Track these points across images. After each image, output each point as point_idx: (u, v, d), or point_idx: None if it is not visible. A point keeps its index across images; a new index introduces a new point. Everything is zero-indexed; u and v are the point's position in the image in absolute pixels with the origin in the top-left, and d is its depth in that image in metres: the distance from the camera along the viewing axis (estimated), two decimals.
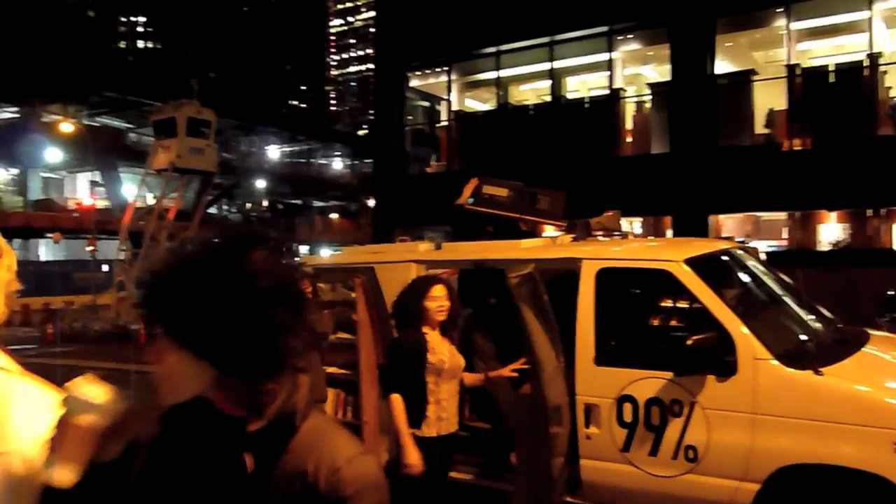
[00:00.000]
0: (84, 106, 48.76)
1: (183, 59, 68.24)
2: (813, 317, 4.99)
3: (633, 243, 5.15)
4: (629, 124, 19.77)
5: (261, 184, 56.23)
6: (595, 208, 5.63)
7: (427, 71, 24.18)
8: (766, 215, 20.59)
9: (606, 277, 4.54)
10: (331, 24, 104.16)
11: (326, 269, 5.40)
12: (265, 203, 59.52)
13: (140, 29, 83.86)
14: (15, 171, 50.97)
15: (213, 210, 57.23)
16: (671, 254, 4.48)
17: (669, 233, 18.82)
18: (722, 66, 18.31)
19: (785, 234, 19.97)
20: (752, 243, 19.10)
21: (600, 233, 5.35)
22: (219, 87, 62.57)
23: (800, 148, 15.98)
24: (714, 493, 4.08)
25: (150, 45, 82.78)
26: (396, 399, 4.06)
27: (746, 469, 3.98)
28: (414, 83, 24.63)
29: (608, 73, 19.36)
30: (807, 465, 3.83)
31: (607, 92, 19.40)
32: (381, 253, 5.65)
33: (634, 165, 18.67)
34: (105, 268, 29.64)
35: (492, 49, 21.22)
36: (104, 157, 46.79)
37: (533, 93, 22.71)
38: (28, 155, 46.84)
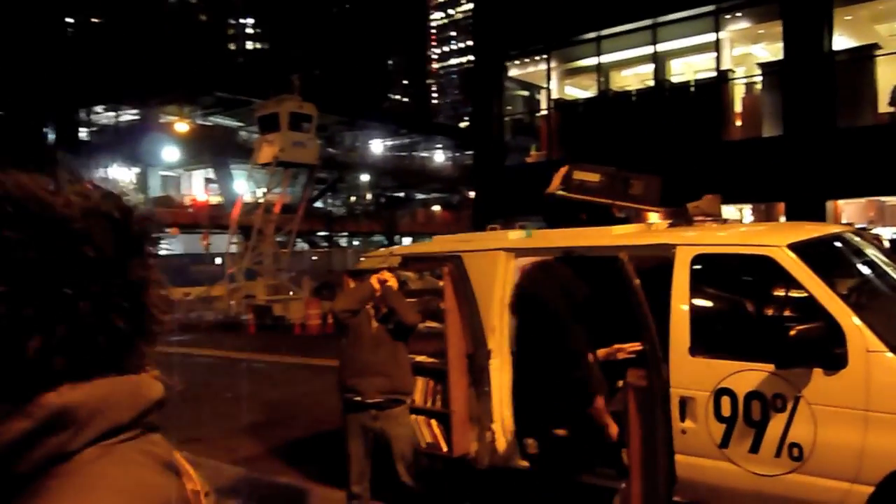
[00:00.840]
0: (198, 106, 51.18)
1: (288, 58, 70.39)
2: None
3: (733, 228, 4.89)
4: (738, 107, 19.00)
5: (364, 177, 57.41)
6: (701, 195, 5.37)
7: (526, 60, 24.00)
8: (892, 200, 19.37)
9: (703, 264, 4.32)
10: (431, 17, 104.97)
11: (414, 258, 5.41)
12: (369, 196, 60.75)
13: (249, 31, 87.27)
14: (136, 169, 54.17)
15: (318, 204, 59.02)
16: (774, 238, 4.21)
17: (783, 220, 18.00)
18: (840, 41, 17.25)
19: None
20: (876, 229, 17.97)
21: (699, 218, 5.11)
22: (323, 84, 64.30)
23: None
24: (821, 494, 3.82)
25: (258, 45, 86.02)
26: None
27: (858, 470, 3.70)
28: (513, 73, 24.52)
29: (715, 54, 18.63)
30: None
31: (714, 74, 18.67)
32: (469, 242, 5.61)
33: (744, 150, 17.93)
34: (218, 260, 31.00)
35: (592, 34, 20.82)
36: (217, 154, 49.13)
37: (635, 78, 22.11)
38: (148, 154, 49.76)
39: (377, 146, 61.71)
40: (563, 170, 5.51)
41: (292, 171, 25.56)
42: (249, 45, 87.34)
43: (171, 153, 47.78)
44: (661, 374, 3.89)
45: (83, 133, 56.88)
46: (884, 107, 16.53)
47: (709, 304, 4.39)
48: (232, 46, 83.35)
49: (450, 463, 4.80)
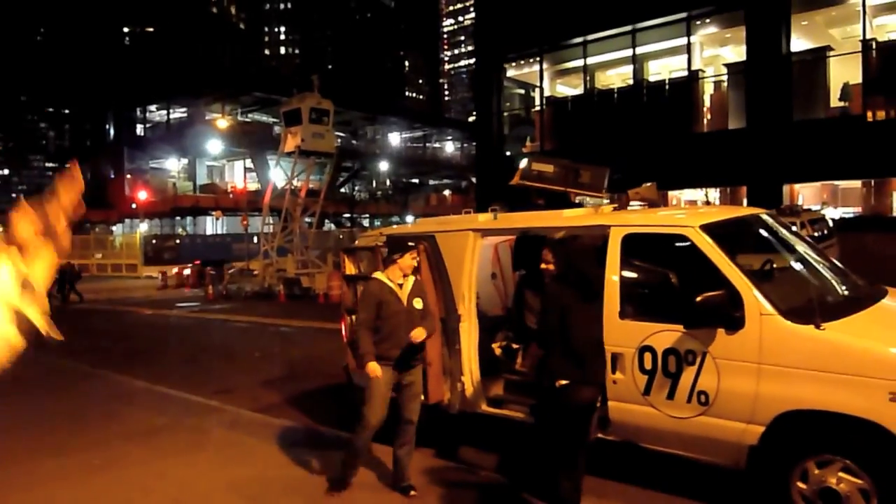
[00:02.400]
0: (238, 104, 51.39)
1: (315, 61, 70.47)
2: (837, 277, 4.76)
3: (658, 212, 5.05)
4: (707, 103, 18.99)
5: (384, 166, 57.55)
6: (676, 180, 5.53)
7: (521, 62, 24.02)
8: (844, 184, 19.35)
9: (631, 242, 4.52)
10: (444, 23, 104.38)
11: (396, 237, 5.64)
12: (388, 182, 60.95)
13: (282, 37, 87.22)
14: (185, 160, 54.59)
15: (344, 189, 59.29)
16: (689, 220, 4.40)
17: (745, 202, 18.07)
18: (798, 43, 17.19)
19: (861, 202, 18.70)
20: (828, 210, 18.00)
21: (638, 203, 5.29)
22: (347, 84, 64.34)
23: (883, 118, 14.85)
24: (724, 433, 4.04)
25: (290, 50, 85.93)
26: None
27: (753, 413, 3.92)
28: (511, 73, 24.53)
29: (686, 56, 18.59)
30: (807, 410, 3.73)
31: (686, 73, 18.63)
32: (445, 223, 5.82)
33: (712, 140, 18.00)
34: (255, 239, 31.38)
35: (579, 39, 20.83)
36: (255, 146, 49.40)
37: (617, 77, 22.08)
38: (195, 147, 50.10)
39: (395, 138, 61.74)
40: (524, 162, 5.69)
41: (315, 160, 25.83)
42: (283, 49, 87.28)
43: (215, 146, 48.06)
44: None
45: (140, 129, 57.28)
46: (835, 102, 16.50)
47: (635, 275, 4.59)
48: (267, 51, 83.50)
49: (427, 409, 5.05)
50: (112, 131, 58.50)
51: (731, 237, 4.39)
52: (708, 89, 19.17)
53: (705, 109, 19.03)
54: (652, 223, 4.64)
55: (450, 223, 5.77)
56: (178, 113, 55.45)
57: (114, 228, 51.93)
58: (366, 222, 58.71)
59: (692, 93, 18.55)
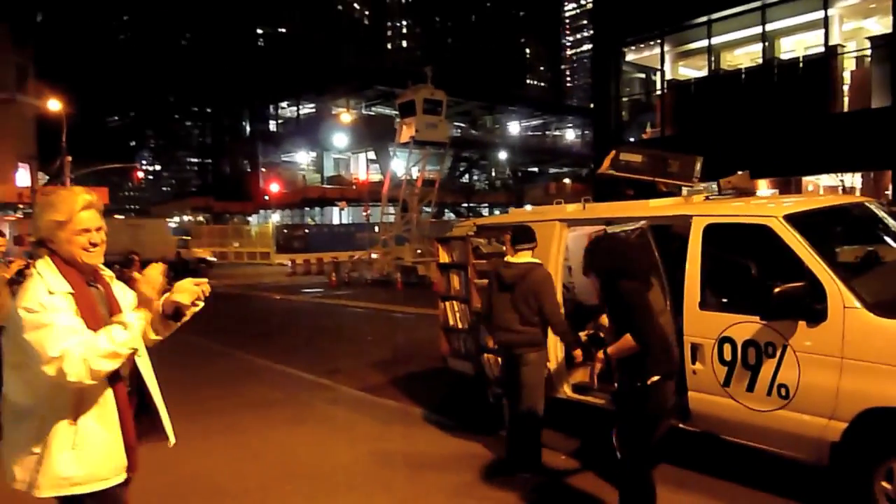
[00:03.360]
0: (362, 98, 53.54)
1: (435, 53, 71.71)
2: None
3: (745, 201, 4.93)
4: (847, 80, 17.56)
5: (502, 155, 57.79)
6: (811, 166, 5.37)
7: (641, 45, 23.35)
8: None
9: (714, 232, 4.50)
10: (565, 7, 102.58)
11: (485, 227, 5.88)
12: (507, 171, 61.17)
13: (404, 31, 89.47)
14: (314, 153, 57.71)
15: (463, 179, 60.19)
16: (772, 210, 4.30)
17: (891, 188, 16.62)
18: None
19: None
20: None
21: (730, 192, 5.21)
22: (467, 75, 64.99)
23: None
24: (805, 428, 3.97)
25: (411, 43, 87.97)
26: None
27: (835, 409, 3.82)
28: (630, 57, 23.92)
29: (823, 30, 17.28)
30: (893, 408, 3.60)
31: (823, 50, 17.34)
32: (535, 213, 6.00)
33: (852, 121, 16.67)
34: (376, 229, 32.69)
35: (703, 18, 19.96)
36: (377, 139, 51.32)
37: (745, 57, 20.91)
38: (322, 140, 52.86)
39: (514, 126, 61.79)
40: (612, 153, 5.73)
41: (430, 150, 26.58)
42: (404, 43, 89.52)
43: (340, 139, 50.42)
44: None
45: (272, 124, 61.23)
46: None
47: (716, 265, 4.55)
48: (389, 45, 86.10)
49: None
50: (248, 127, 62.94)
51: (821, 227, 4.26)
52: (848, 65, 17.74)
53: (845, 88, 17.63)
54: (735, 213, 4.58)
55: (538, 213, 5.94)
56: (307, 108, 58.67)
57: (250, 219, 55.94)
58: (485, 211, 59.26)
59: (830, 70, 17.24)
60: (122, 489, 2.49)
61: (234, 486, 4.81)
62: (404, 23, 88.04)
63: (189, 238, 42.73)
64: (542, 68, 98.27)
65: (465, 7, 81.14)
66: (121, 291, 2.62)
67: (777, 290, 3.85)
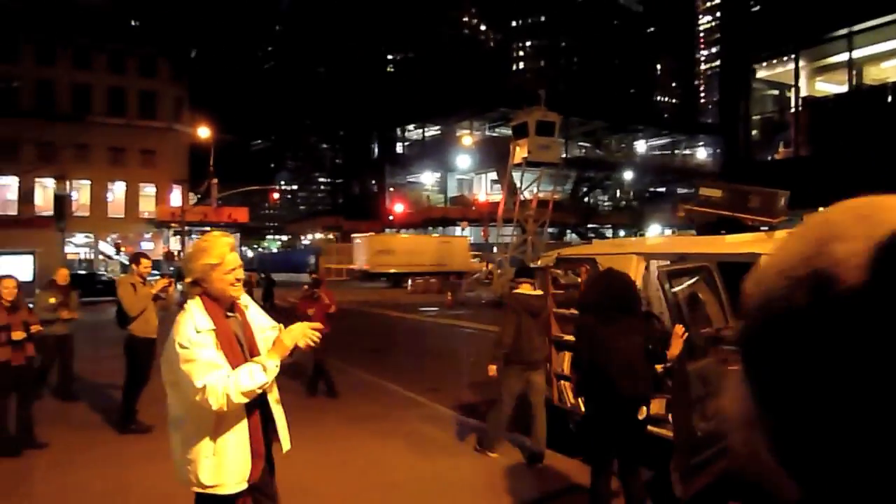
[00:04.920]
0: (486, 120, 54.56)
1: (560, 74, 71.63)
2: None
3: None
4: None
5: (628, 175, 56.60)
6: None
7: (774, 60, 22.34)
8: None
9: None
10: (700, 21, 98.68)
11: (563, 259, 6.11)
12: (631, 192, 59.76)
13: (529, 52, 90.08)
14: (438, 174, 59.43)
15: (587, 200, 59.49)
16: None
17: None
18: None
19: None
20: None
21: None
22: (592, 94, 64.37)
23: None
24: None
25: (536, 64, 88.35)
26: None
27: None
28: (761, 74, 22.94)
29: None
30: None
31: None
32: (615, 246, 6.17)
33: None
34: (494, 249, 33.20)
35: (843, 31, 18.81)
36: (500, 160, 52.06)
37: (893, 70, 19.43)
38: (446, 162, 54.39)
39: (641, 146, 60.36)
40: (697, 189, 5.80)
41: (544, 171, 26.82)
42: (530, 64, 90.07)
43: (463, 160, 51.62)
44: (684, 363, 4.31)
45: (399, 147, 63.82)
46: None
47: None
48: (517, 66, 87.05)
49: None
50: (376, 150, 66.03)
51: None
52: None
53: None
54: None
55: (618, 246, 6.11)
56: (433, 131, 60.61)
57: None
58: (608, 233, 58.16)
59: None
60: (246, 494, 2.96)
61: (319, 489, 5.37)
62: (528, 44, 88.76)
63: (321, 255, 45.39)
64: (673, 84, 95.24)
65: (591, 25, 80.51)
66: (255, 314, 3.15)
67: None
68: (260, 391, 2.82)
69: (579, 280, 5.70)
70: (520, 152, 25.90)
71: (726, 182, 5.65)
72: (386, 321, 20.61)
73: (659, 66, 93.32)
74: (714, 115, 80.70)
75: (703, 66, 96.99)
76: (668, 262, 5.63)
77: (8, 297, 6.27)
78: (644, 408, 4.35)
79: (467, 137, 47.96)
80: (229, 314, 3.00)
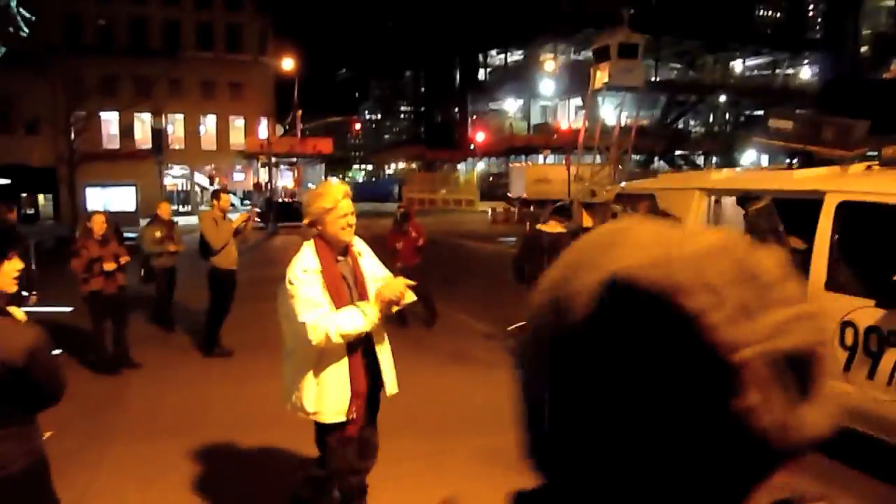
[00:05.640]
0: (572, 44, 52.38)
1: None
2: None
3: (884, 175, 4.48)
4: None
5: (723, 98, 53.35)
6: None
7: None
8: None
9: (846, 210, 4.29)
10: None
11: (622, 194, 6.00)
12: (727, 116, 56.41)
13: None
14: (521, 101, 58.05)
15: (678, 125, 56.77)
16: None
17: None
18: None
19: None
20: None
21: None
22: (686, 12, 60.17)
23: None
24: None
25: None
26: None
27: None
28: None
29: None
30: None
31: None
32: (677, 181, 6.00)
33: None
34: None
35: None
36: (586, 85, 50.26)
37: None
38: (530, 88, 53.00)
39: (738, 66, 56.45)
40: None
41: (624, 95, 25.77)
42: None
43: (547, 86, 50.15)
44: None
45: (481, 73, 62.49)
46: None
47: (847, 246, 4.34)
48: None
49: None
50: (458, 77, 64.99)
51: None
52: None
53: None
54: (869, 190, 4.30)
55: (680, 181, 5.93)
56: (516, 56, 58.89)
57: (459, 167, 58.34)
58: (700, 160, 55.59)
59: None
60: (347, 426, 3.19)
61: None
62: None
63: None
64: None
65: None
66: (368, 262, 3.35)
67: None
68: (357, 334, 3.02)
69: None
70: (601, 76, 24.94)
71: (800, 112, 5.32)
72: (463, 251, 20.90)
73: None
74: (823, 30, 73.60)
75: None
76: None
77: (99, 232, 6.84)
78: None
79: (550, 62, 46.42)
80: (340, 258, 3.18)
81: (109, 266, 6.74)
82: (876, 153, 5.22)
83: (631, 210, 5.88)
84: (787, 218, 5.17)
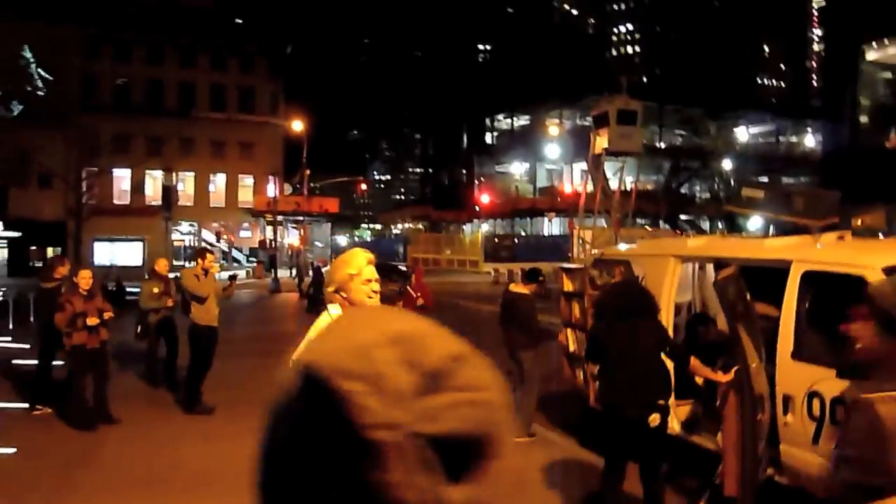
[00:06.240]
0: (577, 109, 53.51)
1: (657, 59, 69.18)
2: None
3: (853, 247, 4.54)
4: None
5: (727, 164, 53.97)
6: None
7: (887, 41, 20.86)
8: None
9: (811, 280, 4.33)
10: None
11: (599, 260, 6.07)
12: (731, 182, 56.97)
13: (624, 38, 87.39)
14: (527, 164, 58.96)
15: (683, 190, 57.32)
16: (870, 260, 4.04)
17: None
18: None
19: None
20: None
21: (859, 232, 4.87)
22: (690, 81, 61.73)
23: None
24: None
25: (634, 49, 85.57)
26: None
27: None
28: (871, 56, 21.50)
29: None
30: None
31: None
32: (653, 248, 6.07)
33: None
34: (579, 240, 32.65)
35: None
36: (588, 150, 51.09)
37: None
38: (536, 151, 53.91)
39: (742, 133, 57.33)
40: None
41: (623, 160, 26.18)
42: (629, 49, 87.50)
43: (553, 150, 50.98)
44: (748, 378, 4.15)
45: (488, 137, 63.74)
46: None
47: (812, 315, 4.36)
48: (614, 51, 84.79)
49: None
50: (465, 140, 66.29)
51: None
52: None
53: None
54: (832, 261, 4.35)
55: (656, 248, 6.01)
56: (522, 120, 60.12)
57: (464, 227, 58.80)
58: (706, 224, 55.80)
59: None
60: None
61: None
62: (623, 29, 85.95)
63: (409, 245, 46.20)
64: (782, 67, 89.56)
65: (693, 11, 76.84)
66: None
67: (859, 346, 3.67)
68: None
69: (613, 282, 5.66)
70: (600, 142, 25.44)
71: (770, 184, 5.42)
72: (461, 311, 20.86)
73: (767, 49, 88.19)
74: (822, 100, 75.08)
75: (815, 47, 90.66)
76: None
77: (85, 287, 6.94)
78: (657, 415, 4.32)
79: (555, 127, 47.34)
80: None
81: (93, 321, 6.81)
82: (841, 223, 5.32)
83: (607, 275, 5.95)
84: (765, 286, 5.21)
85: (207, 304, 7.60)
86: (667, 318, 5.63)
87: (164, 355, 9.16)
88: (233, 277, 7.95)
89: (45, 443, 6.61)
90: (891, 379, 1.77)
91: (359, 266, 3.18)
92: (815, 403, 4.13)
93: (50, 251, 39.10)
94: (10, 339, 13.06)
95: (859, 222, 4.92)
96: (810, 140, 57.37)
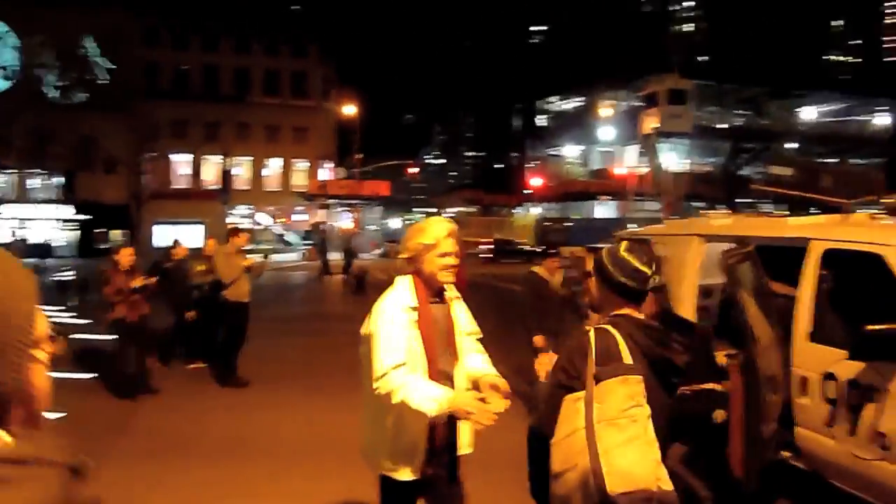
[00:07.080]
0: (631, 90, 52.35)
1: (718, 37, 66.67)
2: None
3: (873, 225, 4.31)
4: None
5: (792, 145, 51.94)
6: None
7: None
8: None
9: (830, 258, 4.17)
10: None
11: (624, 239, 5.96)
12: (795, 163, 54.73)
13: (684, 15, 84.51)
14: (581, 147, 58.12)
15: (744, 172, 55.52)
16: (889, 237, 3.86)
17: None
18: None
19: None
20: None
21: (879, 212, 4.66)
22: (754, 59, 59.31)
23: None
24: None
25: (696, 27, 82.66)
26: None
27: None
28: None
29: None
30: None
31: None
32: (677, 227, 5.94)
33: None
34: (631, 225, 32.05)
35: None
36: (641, 131, 49.89)
37: None
38: (588, 134, 53.07)
39: (809, 112, 54.94)
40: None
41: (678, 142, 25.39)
42: (692, 26, 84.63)
43: (606, 132, 50.08)
44: (755, 357, 4.05)
45: (541, 119, 63.08)
46: None
47: (831, 295, 4.20)
48: (667, 32, 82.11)
49: None
50: (518, 123, 65.79)
51: None
52: None
53: None
54: (852, 238, 4.17)
55: (680, 227, 5.87)
56: (575, 103, 59.22)
57: (515, 211, 58.51)
58: (768, 207, 53.91)
59: None
60: (421, 490, 2.87)
61: None
62: (685, 5, 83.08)
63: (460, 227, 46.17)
64: (850, 42, 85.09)
65: None
66: (458, 310, 3.02)
67: (872, 328, 3.54)
68: (417, 410, 2.63)
69: None
70: (649, 122, 24.83)
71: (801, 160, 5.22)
72: (506, 294, 20.86)
73: (836, 23, 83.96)
74: None
75: (887, 21, 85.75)
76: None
77: (126, 264, 7.26)
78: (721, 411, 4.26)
79: (608, 109, 46.39)
80: (434, 300, 2.92)
81: (138, 282, 7.14)
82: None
83: None
84: (787, 265, 5.06)
85: (239, 282, 7.86)
86: (690, 299, 5.52)
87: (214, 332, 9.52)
88: (264, 257, 8.22)
89: (90, 409, 6.99)
90: (605, 315, 2.41)
91: (436, 237, 2.82)
92: (831, 386, 3.99)
93: (114, 234, 40.92)
94: (75, 314, 13.77)
95: (892, 201, 4.70)
96: (883, 118, 54.53)
